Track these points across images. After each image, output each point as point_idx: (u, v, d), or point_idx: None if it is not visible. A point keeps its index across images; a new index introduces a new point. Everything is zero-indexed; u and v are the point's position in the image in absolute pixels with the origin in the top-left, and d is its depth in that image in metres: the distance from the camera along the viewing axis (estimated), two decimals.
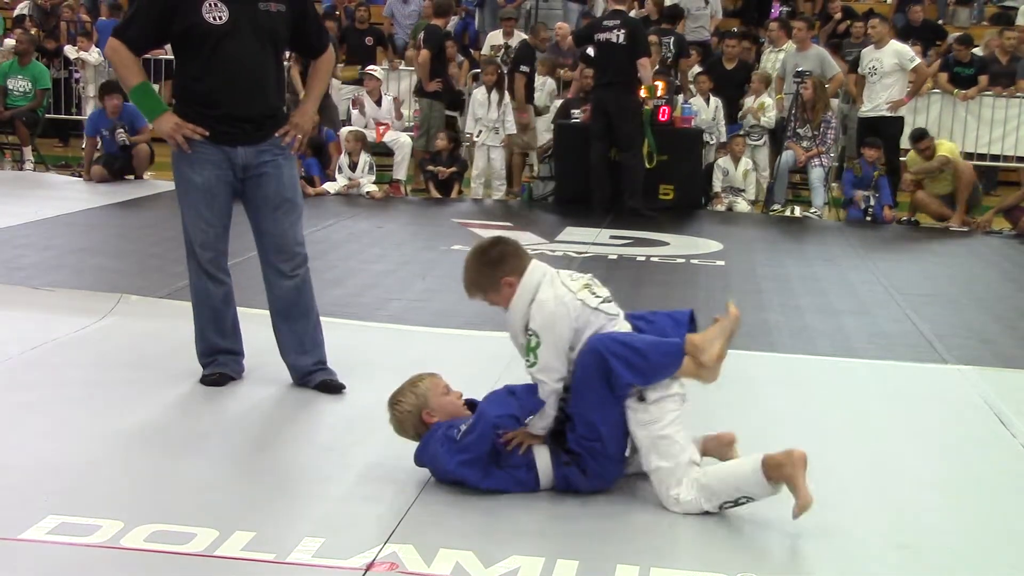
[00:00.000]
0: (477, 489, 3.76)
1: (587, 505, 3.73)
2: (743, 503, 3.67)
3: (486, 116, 11.94)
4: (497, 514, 3.63)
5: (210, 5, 4.59)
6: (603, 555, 3.36)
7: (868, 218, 11.25)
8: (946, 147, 11.46)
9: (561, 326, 3.74)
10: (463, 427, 3.77)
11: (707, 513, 3.67)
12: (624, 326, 3.86)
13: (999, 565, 3.50)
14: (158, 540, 3.30)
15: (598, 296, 3.85)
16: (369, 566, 3.21)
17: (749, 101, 12.57)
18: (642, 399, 3.72)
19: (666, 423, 3.72)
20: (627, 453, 3.87)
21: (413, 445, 3.94)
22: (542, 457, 3.81)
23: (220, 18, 4.60)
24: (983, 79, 13.70)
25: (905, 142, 12.14)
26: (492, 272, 3.87)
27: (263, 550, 3.27)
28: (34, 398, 4.62)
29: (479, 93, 12.06)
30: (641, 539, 3.52)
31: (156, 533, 3.35)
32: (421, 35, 12.72)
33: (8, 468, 3.84)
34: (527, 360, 3.79)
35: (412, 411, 3.90)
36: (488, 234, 9.30)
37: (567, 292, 3.80)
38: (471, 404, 3.99)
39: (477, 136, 11.97)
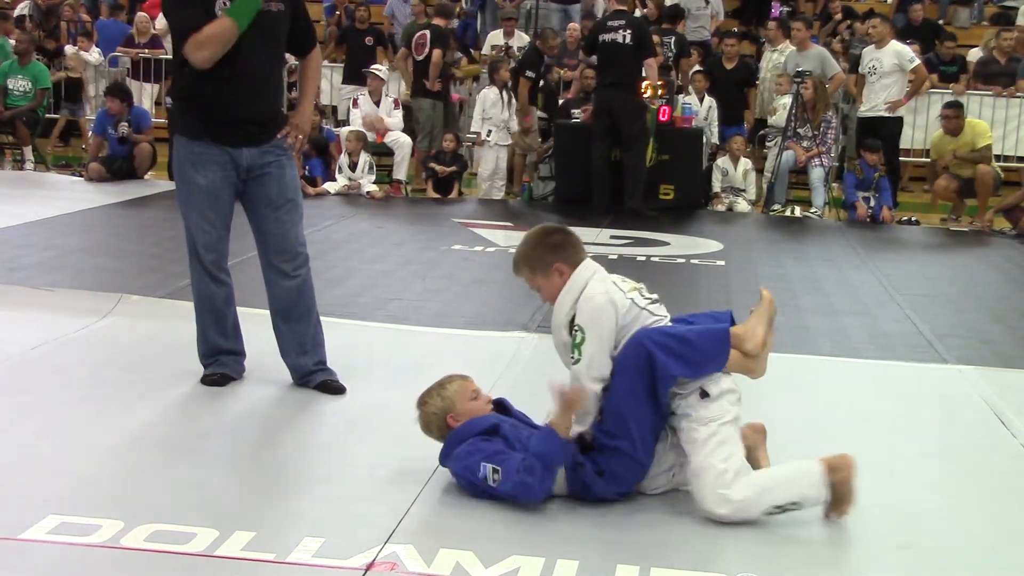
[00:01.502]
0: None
1: (587, 506, 3.72)
2: (790, 510, 3.64)
3: (498, 116, 11.94)
4: (497, 514, 3.62)
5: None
6: (603, 555, 3.36)
7: (868, 219, 11.25)
8: (982, 129, 11.40)
9: (608, 321, 3.71)
10: (497, 468, 3.62)
11: (714, 521, 3.63)
12: None
13: (999, 565, 3.50)
14: (158, 540, 3.30)
15: (647, 298, 3.84)
16: (369, 566, 3.21)
17: (780, 100, 12.49)
18: (705, 395, 3.69)
19: (726, 421, 3.70)
20: (669, 469, 3.80)
21: (414, 446, 3.95)
22: None
23: None
24: (963, 78, 13.74)
25: (905, 142, 12.13)
26: (548, 255, 3.85)
27: (263, 550, 3.27)
28: (34, 398, 4.62)
29: (491, 93, 12.04)
30: (641, 539, 3.51)
31: (156, 533, 3.35)
32: (425, 34, 12.62)
33: (8, 468, 3.84)
34: (572, 356, 3.75)
35: (438, 414, 3.88)
36: (491, 234, 9.36)
37: (617, 290, 3.79)
38: (500, 404, 3.97)
39: (488, 136, 11.96)
